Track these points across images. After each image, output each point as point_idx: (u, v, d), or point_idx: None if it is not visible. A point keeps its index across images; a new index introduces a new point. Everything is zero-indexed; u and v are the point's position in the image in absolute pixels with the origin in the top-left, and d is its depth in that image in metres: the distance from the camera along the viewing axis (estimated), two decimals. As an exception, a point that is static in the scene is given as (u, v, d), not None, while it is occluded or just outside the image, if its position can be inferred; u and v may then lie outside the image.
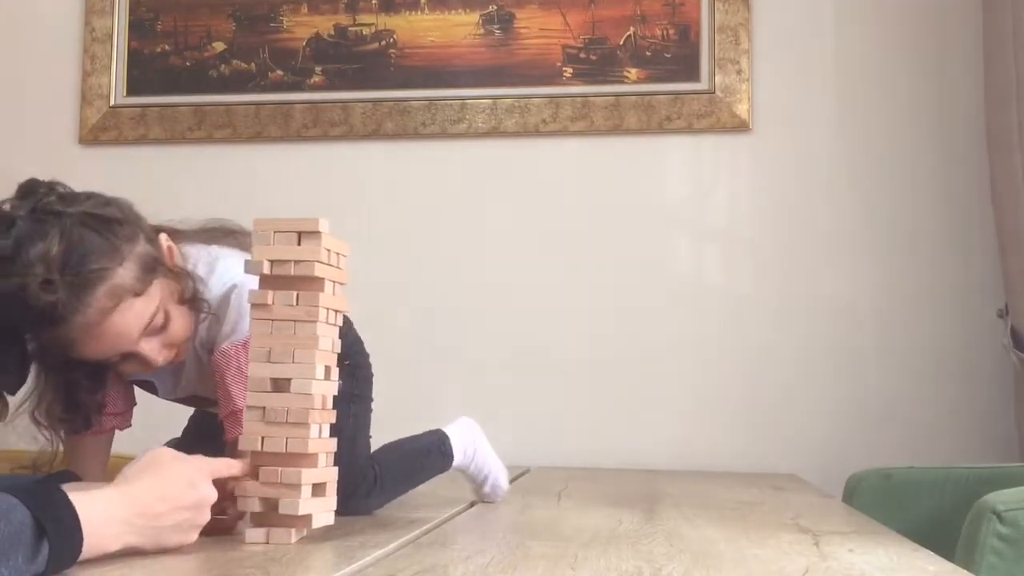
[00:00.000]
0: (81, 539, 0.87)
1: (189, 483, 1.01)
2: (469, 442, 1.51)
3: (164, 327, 1.21)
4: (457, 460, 1.48)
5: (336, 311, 1.15)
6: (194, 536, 1.01)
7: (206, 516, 1.02)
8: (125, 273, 1.15)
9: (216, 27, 2.58)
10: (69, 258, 1.11)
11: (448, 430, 1.51)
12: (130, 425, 1.40)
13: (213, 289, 1.26)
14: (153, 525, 0.96)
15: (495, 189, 2.47)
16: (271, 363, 1.10)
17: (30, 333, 1.18)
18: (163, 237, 1.25)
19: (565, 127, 2.44)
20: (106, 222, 1.16)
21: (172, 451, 1.05)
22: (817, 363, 2.34)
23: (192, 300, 1.24)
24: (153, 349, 1.21)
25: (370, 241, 2.33)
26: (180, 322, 1.23)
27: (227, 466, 1.06)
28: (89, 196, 1.20)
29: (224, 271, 1.27)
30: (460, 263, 2.44)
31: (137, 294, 1.17)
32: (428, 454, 1.47)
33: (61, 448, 1.30)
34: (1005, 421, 2.22)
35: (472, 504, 1.52)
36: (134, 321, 1.17)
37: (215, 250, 1.31)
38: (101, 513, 0.91)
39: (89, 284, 1.12)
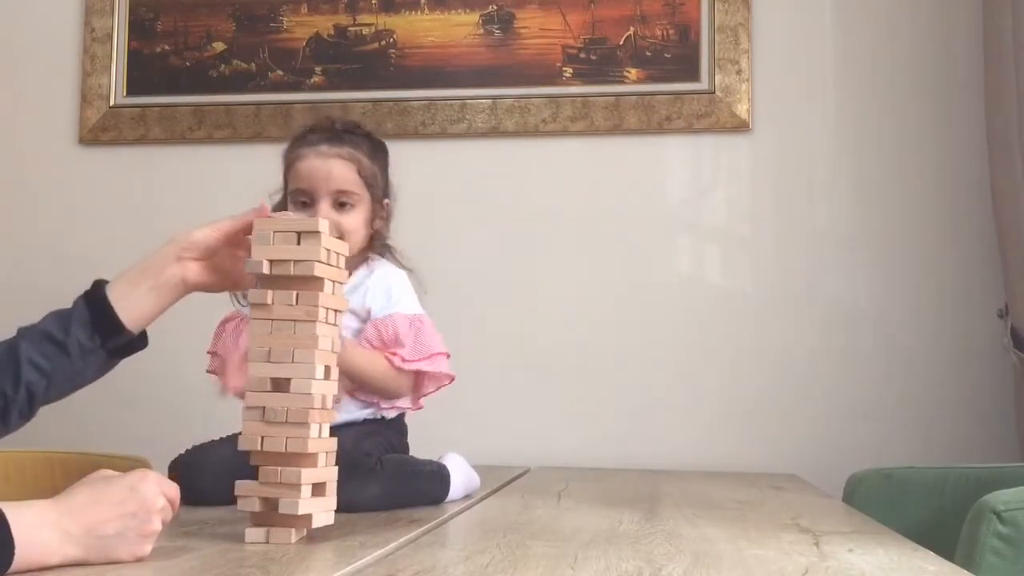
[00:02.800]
0: (12, 547, 0.84)
1: (129, 488, 0.95)
2: (460, 485, 1.56)
3: (344, 210, 1.55)
4: (451, 497, 1.53)
5: (336, 311, 1.15)
6: (147, 547, 0.95)
7: (154, 525, 0.95)
8: (365, 162, 1.58)
9: (216, 27, 2.58)
10: (352, 128, 1.61)
11: (449, 467, 1.55)
12: None
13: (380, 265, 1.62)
14: (95, 534, 0.91)
15: (495, 189, 2.47)
16: (271, 363, 1.10)
17: (296, 146, 1.58)
18: (387, 202, 1.64)
19: (565, 127, 2.44)
20: (383, 149, 1.64)
21: (112, 471, 1.00)
22: (817, 363, 2.34)
23: (371, 226, 1.59)
24: (327, 212, 1.52)
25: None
26: (355, 224, 1.56)
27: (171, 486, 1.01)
28: None
29: (389, 265, 1.64)
30: (459, 263, 2.44)
31: (359, 173, 1.56)
32: (430, 476, 1.51)
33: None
34: (1005, 421, 2.22)
35: (472, 504, 1.52)
36: (339, 175, 1.55)
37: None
38: (33, 521, 0.87)
39: (348, 140, 1.58)
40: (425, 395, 1.58)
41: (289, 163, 1.59)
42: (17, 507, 0.87)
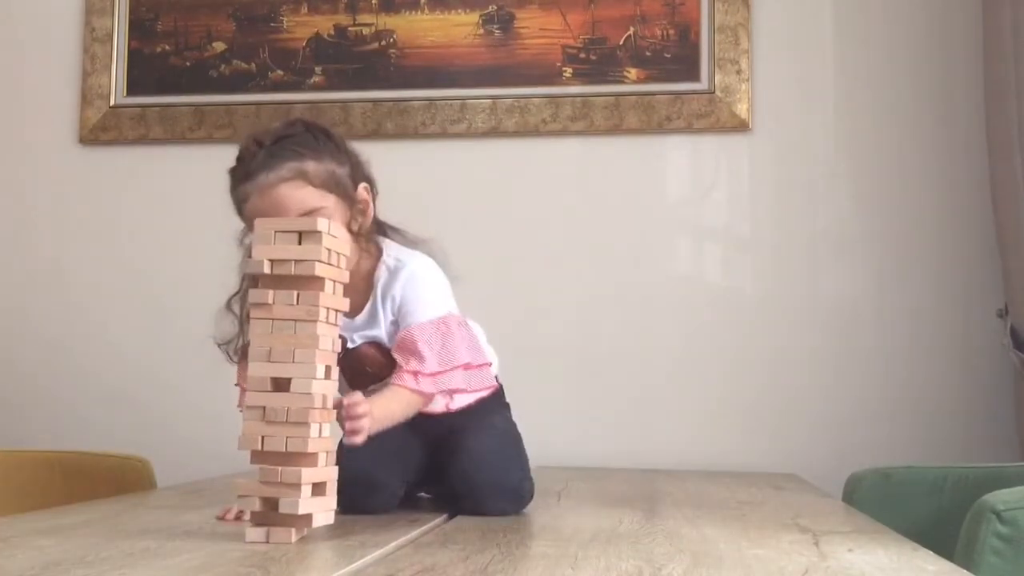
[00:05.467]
0: None
1: None
2: None
3: None
4: None
5: (336, 310, 1.15)
6: None
7: None
8: (314, 167, 1.37)
9: (216, 27, 2.58)
10: (281, 135, 1.38)
11: None
12: None
13: (398, 259, 1.46)
14: None
15: (495, 189, 2.47)
16: (271, 362, 1.11)
17: (234, 186, 1.38)
18: (364, 187, 1.44)
19: (565, 127, 2.44)
20: (326, 136, 1.42)
21: None
22: (817, 363, 2.34)
23: (357, 234, 1.41)
24: None
25: (370, 241, 2.33)
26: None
27: None
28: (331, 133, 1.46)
29: (409, 257, 1.48)
30: (458, 263, 2.43)
31: (312, 185, 1.36)
32: None
33: None
34: (1005, 421, 2.22)
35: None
36: (292, 202, 1.34)
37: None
38: None
39: (283, 155, 1.36)
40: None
41: (238, 207, 1.38)
42: None
